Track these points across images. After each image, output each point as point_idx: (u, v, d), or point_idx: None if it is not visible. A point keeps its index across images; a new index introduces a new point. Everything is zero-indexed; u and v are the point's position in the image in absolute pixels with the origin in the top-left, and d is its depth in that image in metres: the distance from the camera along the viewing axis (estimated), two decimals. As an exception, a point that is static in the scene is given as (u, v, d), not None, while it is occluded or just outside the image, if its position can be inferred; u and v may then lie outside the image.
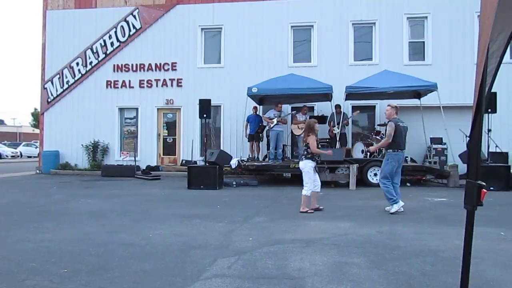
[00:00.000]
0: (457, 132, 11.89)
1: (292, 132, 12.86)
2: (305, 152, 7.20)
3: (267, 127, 12.96)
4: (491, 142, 11.18)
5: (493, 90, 10.71)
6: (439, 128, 12.31)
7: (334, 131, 12.45)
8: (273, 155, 12.29)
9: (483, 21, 2.09)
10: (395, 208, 6.99)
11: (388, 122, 7.03)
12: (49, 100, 16.58)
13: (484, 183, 2.14)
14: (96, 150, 15.87)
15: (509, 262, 4.28)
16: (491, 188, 9.96)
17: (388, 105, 7.30)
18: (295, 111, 12.87)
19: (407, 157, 12.47)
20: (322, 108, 14.04)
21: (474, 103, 2.23)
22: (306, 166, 7.16)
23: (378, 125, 13.62)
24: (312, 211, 7.13)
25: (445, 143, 13.05)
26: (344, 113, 12.55)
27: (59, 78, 16.49)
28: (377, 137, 12.10)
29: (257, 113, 13.59)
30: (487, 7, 2.02)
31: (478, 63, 2.15)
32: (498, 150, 11.98)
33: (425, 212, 7.26)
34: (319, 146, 7.37)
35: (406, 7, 14.44)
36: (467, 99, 12.13)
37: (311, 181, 7.13)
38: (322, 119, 12.63)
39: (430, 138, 13.34)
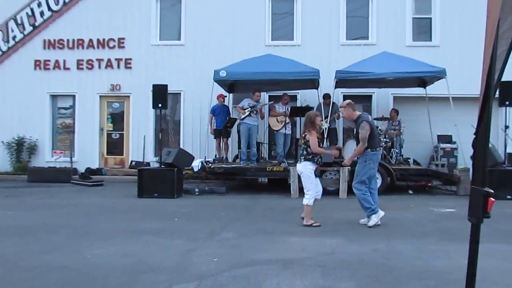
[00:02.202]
0: (470, 128, 12.07)
1: (269, 126, 12.88)
2: (304, 152, 7.25)
3: (238, 120, 12.96)
4: (508, 141, 11.45)
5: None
6: (448, 124, 12.56)
7: (321, 126, 12.42)
8: (245, 155, 12.31)
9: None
10: (373, 220, 7.15)
11: (360, 122, 7.20)
12: (-41, 84, 16.13)
13: (491, 191, 2.20)
14: (21, 148, 15.55)
15: (526, 285, 4.42)
16: (508, 196, 10.23)
17: (341, 106, 7.63)
18: (272, 102, 12.91)
19: (409, 158, 12.80)
20: (306, 97, 14.14)
21: (481, 92, 2.29)
22: (306, 169, 7.23)
23: (375, 119, 13.59)
24: (319, 224, 7.22)
25: (455, 142, 13.32)
26: (334, 103, 12.61)
27: (-28, 56, 16.07)
28: None
29: (225, 103, 13.62)
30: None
31: (486, 45, 2.20)
32: (517, 151, 12.33)
33: (429, 226, 7.43)
34: (320, 145, 7.46)
35: (410, -25, 14.74)
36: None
37: (313, 187, 7.23)
38: (306, 111, 12.56)
39: (437, 135, 13.63)
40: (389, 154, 12.37)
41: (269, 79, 12.44)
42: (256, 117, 12.37)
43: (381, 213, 7.18)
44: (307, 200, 7.19)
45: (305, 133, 7.26)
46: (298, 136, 12.82)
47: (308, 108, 12.64)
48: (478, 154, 2.21)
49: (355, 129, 7.50)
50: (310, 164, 7.22)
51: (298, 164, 7.42)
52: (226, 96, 13.76)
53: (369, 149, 7.18)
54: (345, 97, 14.10)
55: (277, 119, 12.36)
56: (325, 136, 12.27)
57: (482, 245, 2.41)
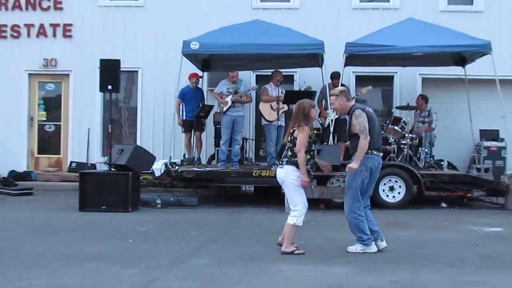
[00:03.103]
0: (522, 121, 12.04)
1: (259, 113, 12.88)
2: (289, 153, 7.04)
3: (215, 108, 12.95)
4: None
5: None
6: (494, 115, 12.66)
7: (327, 117, 12.61)
8: (225, 155, 12.26)
9: None
10: (357, 248, 7.15)
11: (353, 111, 7.16)
12: None
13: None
14: None
15: None
16: None
17: (331, 95, 7.56)
18: (256, 86, 12.97)
19: (442, 160, 12.84)
20: (307, 77, 14.10)
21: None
22: (289, 177, 7.01)
23: (397, 107, 13.91)
24: (302, 251, 7.08)
25: (502, 139, 13.44)
26: (344, 87, 12.57)
27: None
28: (395, 127, 12.41)
29: (198, 85, 13.58)
30: None
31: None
32: None
33: (467, 250, 7.46)
34: (312, 148, 7.17)
35: None
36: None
37: (303, 201, 7.05)
38: (308, 96, 12.01)
39: (480, 130, 13.77)
40: (417, 154, 12.43)
41: (257, 53, 12.40)
42: (241, 106, 12.43)
43: (373, 247, 7.14)
44: (295, 218, 6.93)
45: (294, 129, 7.04)
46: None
47: (309, 93, 12.72)
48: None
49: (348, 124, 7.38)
50: (295, 170, 6.98)
51: (279, 169, 7.19)
52: (201, 77, 13.73)
53: None
54: (358, 78, 14.49)
55: (271, 105, 12.34)
56: (331, 130, 12.27)
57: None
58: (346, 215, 7.22)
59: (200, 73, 13.83)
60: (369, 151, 7.04)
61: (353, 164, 6.93)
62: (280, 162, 7.15)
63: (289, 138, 7.10)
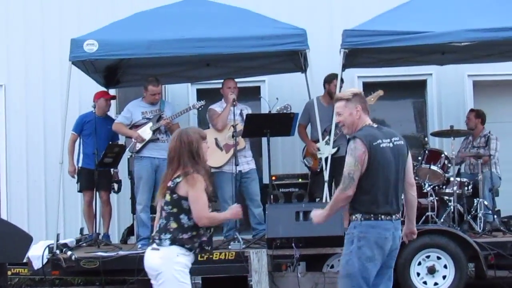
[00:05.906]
0: None
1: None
2: (174, 224, 6.46)
3: (131, 150, 12.30)
4: None
5: None
6: None
7: (319, 154, 12.36)
8: (147, 228, 11.65)
9: None
10: None
11: (349, 139, 6.81)
12: None
13: None
14: None
15: None
16: None
17: (338, 99, 7.05)
18: (203, 101, 12.36)
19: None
20: (282, 90, 13.87)
21: None
22: (173, 266, 6.34)
23: (433, 133, 13.59)
24: None
25: None
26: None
27: None
28: (433, 166, 12.11)
29: (106, 111, 13.10)
30: None
31: None
32: None
33: None
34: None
35: None
36: None
37: None
38: (281, 121, 12.20)
39: None
40: (471, 211, 12.04)
41: (197, 54, 11.87)
42: (166, 141, 11.67)
43: None
44: None
45: (176, 180, 6.44)
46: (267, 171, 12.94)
47: (285, 116, 12.38)
48: None
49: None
50: (181, 253, 6.34)
51: (151, 253, 6.50)
52: (114, 97, 13.41)
53: (359, 215, 6.48)
54: (368, 86, 14.20)
55: (216, 140, 12.13)
56: (327, 177, 11.70)
57: None
58: None
59: (105, 90, 13.56)
60: (371, 214, 6.51)
61: (320, 212, 6.72)
62: (156, 239, 6.55)
63: (169, 196, 6.54)
